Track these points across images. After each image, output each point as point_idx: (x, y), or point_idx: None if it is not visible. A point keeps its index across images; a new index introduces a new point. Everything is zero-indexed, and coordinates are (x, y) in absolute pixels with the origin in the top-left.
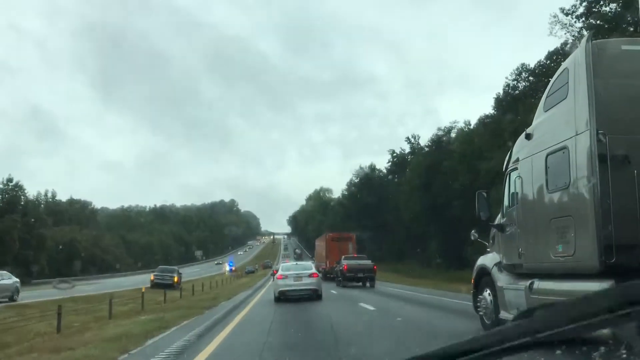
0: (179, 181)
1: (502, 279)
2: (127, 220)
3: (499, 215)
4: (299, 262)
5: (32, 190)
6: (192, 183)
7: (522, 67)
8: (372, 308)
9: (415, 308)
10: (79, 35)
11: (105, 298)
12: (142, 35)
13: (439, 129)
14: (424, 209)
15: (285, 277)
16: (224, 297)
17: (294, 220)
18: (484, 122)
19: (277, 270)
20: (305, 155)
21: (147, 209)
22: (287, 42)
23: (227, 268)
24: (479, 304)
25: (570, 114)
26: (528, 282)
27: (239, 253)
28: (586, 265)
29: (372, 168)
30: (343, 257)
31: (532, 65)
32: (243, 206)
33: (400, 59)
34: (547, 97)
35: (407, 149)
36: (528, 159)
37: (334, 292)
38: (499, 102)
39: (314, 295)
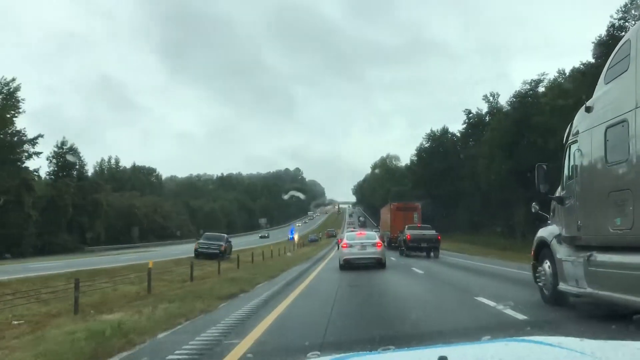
0: (245, 150)
1: (561, 251)
2: (192, 188)
3: (559, 188)
4: (363, 231)
5: (98, 158)
6: (258, 152)
7: (631, 3)
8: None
9: None
10: (145, 4)
11: (129, 271)
12: (206, 1)
13: (524, 82)
14: (507, 172)
15: (350, 246)
16: (267, 274)
17: (360, 189)
18: (582, 71)
19: (341, 239)
20: (371, 123)
21: (215, 177)
22: (352, 5)
23: (289, 237)
24: (538, 275)
25: (631, 86)
26: (587, 255)
27: (297, 225)
28: None
29: (445, 131)
30: (406, 226)
31: None
32: (308, 175)
33: (473, 21)
34: (608, 69)
35: (485, 109)
36: (588, 131)
37: (419, 271)
38: (601, 46)
39: (377, 264)
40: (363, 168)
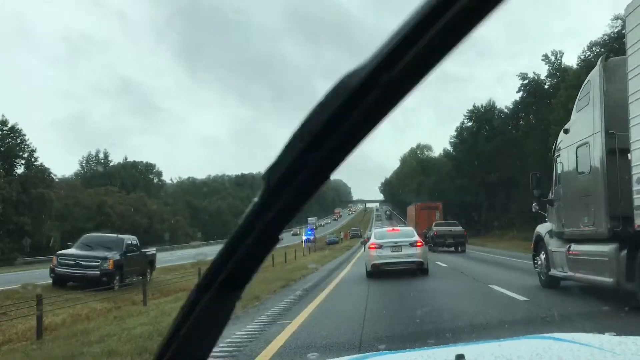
0: (266, 150)
1: (552, 244)
2: (203, 187)
3: (550, 192)
4: (396, 227)
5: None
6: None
7: None
8: None
9: None
10: (158, 3)
11: None
12: None
13: (615, 17)
14: None
15: (380, 246)
16: None
17: (388, 186)
18: None
19: (368, 238)
20: (397, 120)
21: (234, 177)
22: None
23: (304, 238)
24: (536, 263)
25: (590, 117)
26: (567, 246)
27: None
28: (600, 233)
29: (491, 106)
30: (434, 223)
31: None
32: (333, 174)
33: (502, 10)
34: (578, 100)
35: (544, 73)
36: (566, 149)
37: None
38: None
39: (417, 270)
40: (390, 166)
